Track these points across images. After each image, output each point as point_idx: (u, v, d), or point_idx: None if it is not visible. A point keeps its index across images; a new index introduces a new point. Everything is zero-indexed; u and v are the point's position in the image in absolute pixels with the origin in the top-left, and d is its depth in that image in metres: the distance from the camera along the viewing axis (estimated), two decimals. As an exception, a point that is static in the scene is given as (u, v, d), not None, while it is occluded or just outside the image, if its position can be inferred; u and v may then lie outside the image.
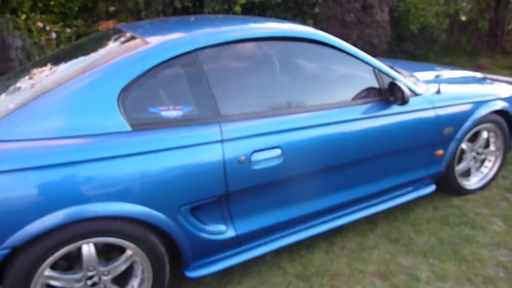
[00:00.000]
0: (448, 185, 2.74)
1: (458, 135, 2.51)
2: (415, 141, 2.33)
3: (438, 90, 2.44)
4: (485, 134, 2.76)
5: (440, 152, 2.50)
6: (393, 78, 2.24)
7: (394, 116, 2.20)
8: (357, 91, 2.18)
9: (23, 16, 6.25)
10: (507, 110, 2.72)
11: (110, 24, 6.35)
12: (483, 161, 2.90)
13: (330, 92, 2.09)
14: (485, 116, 2.62)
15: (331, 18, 6.10)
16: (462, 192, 2.79)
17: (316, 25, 7.02)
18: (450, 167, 2.64)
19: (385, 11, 5.98)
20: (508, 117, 2.78)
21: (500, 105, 2.68)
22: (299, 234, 2.15)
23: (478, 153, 2.80)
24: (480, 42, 7.01)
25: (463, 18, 6.82)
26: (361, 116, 2.09)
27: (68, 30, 6.24)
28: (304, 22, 7.39)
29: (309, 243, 2.30)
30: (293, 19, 6.87)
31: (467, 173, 2.84)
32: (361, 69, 2.20)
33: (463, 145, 2.68)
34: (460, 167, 2.75)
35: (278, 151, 1.85)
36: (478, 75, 3.28)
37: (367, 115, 2.11)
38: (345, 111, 2.07)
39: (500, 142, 2.83)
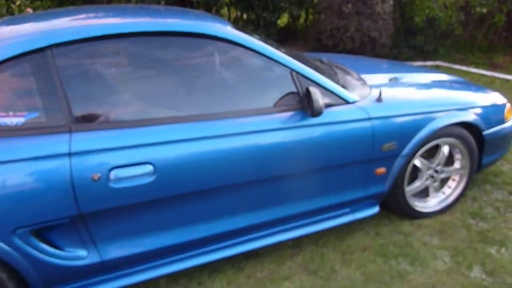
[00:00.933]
0: (397, 207, 2.37)
1: (406, 151, 2.13)
2: (344, 157, 1.98)
3: (379, 97, 2.06)
4: (445, 150, 2.35)
5: (382, 170, 2.14)
6: (316, 83, 1.90)
7: (311, 128, 1.85)
8: (268, 97, 1.85)
9: (18, 2, 6.21)
10: (473, 122, 2.30)
11: (100, 11, 6.19)
12: (446, 180, 2.50)
13: (228, 99, 1.77)
14: (443, 129, 2.21)
15: (328, 9, 5.67)
16: (416, 215, 2.41)
17: (315, 16, 6.59)
18: (398, 187, 2.26)
19: (387, 2, 5.48)
20: (478, 131, 2.36)
21: (465, 117, 2.26)
22: (198, 259, 1.88)
23: (436, 171, 2.40)
24: (497, 38, 6.35)
25: (483, 10, 6.16)
26: (265, 128, 1.77)
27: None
28: (299, 13, 6.97)
29: (214, 268, 2.03)
30: (290, 8, 6.49)
31: (425, 193, 2.46)
32: (276, 71, 1.86)
33: (417, 162, 2.30)
34: (413, 187, 2.36)
35: (148, 168, 1.57)
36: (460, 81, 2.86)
37: (274, 127, 1.78)
38: (246, 121, 1.75)
39: (466, 159, 2.41)
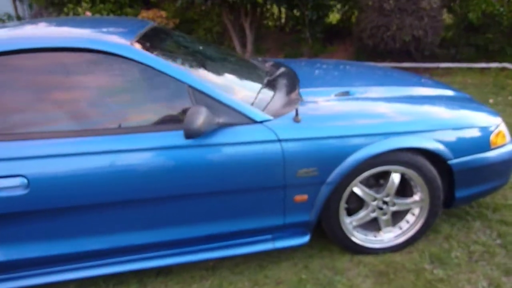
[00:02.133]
0: (335, 240, 2.09)
1: (331, 178, 1.86)
2: (250, 181, 1.80)
3: (296, 117, 1.83)
4: (396, 179, 2.00)
5: (302, 197, 1.90)
6: (214, 99, 1.75)
7: (200, 148, 1.73)
8: (158, 114, 1.77)
9: (85, 5, 6.88)
10: (429, 149, 1.92)
11: (150, 14, 6.56)
12: (405, 213, 2.14)
13: (112, 115, 1.73)
14: (384, 155, 1.89)
15: (368, 6, 5.23)
16: (359, 250, 2.11)
17: (357, 14, 6.11)
18: (331, 216, 2.00)
19: (435, -4, 4.84)
20: (442, 159, 1.96)
21: (414, 142, 1.89)
22: (100, 269, 1.89)
23: (386, 203, 2.06)
24: None
25: None
26: (143, 146, 1.69)
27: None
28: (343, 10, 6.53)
29: (122, 280, 2.03)
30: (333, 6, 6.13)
31: (378, 226, 2.13)
32: (171, 87, 1.77)
33: (357, 190, 2.00)
34: (356, 218, 2.07)
35: (21, 180, 1.63)
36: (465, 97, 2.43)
37: (153, 145, 1.69)
38: (125, 138, 1.70)
39: (424, 192, 2.03)
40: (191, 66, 1.96)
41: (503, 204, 2.45)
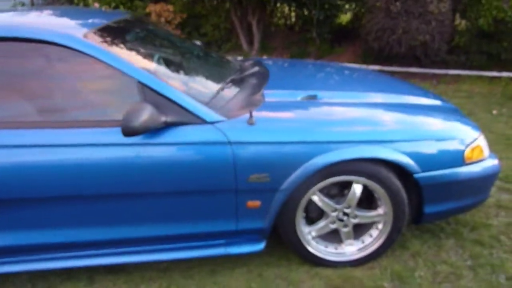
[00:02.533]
0: (292, 249, 2.00)
1: (285, 186, 1.77)
2: (197, 183, 1.74)
3: (250, 120, 1.74)
4: (358, 190, 1.89)
5: (255, 203, 1.82)
6: (164, 97, 1.69)
7: (144, 147, 1.67)
8: (106, 109, 1.72)
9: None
10: (391, 160, 1.80)
11: (157, 7, 6.55)
12: (370, 226, 2.02)
13: (57, 108, 1.69)
14: (341, 164, 1.79)
15: (374, 7, 5.07)
16: (318, 262, 2.01)
17: (365, 16, 5.94)
18: (287, 224, 1.91)
19: (444, 1, 4.65)
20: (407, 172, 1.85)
21: (373, 152, 1.78)
22: (45, 263, 1.87)
23: (347, 214, 1.95)
24: None
25: None
26: (77, 142, 1.65)
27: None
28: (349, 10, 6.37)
29: (72, 275, 1.99)
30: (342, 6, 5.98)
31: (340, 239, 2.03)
32: (122, 82, 1.71)
33: (315, 199, 1.90)
34: (315, 228, 1.97)
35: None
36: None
37: (90, 142, 1.65)
38: (65, 132, 1.65)
39: (388, 205, 1.91)
40: (149, 62, 1.90)
41: (482, 223, 2.30)
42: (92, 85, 1.75)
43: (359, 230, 2.03)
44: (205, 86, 1.95)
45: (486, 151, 2.04)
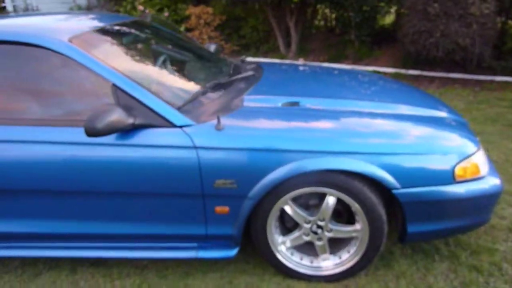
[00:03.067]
0: (265, 259, 1.95)
1: (253, 193, 1.74)
2: (164, 186, 1.75)
3: (218, 125, 1.73)
4: (331, 202, 1.80)
5: (224, 209, 1.81)
6: (135, 99, 1.73)
7: (109, 147, 1.73)
8: (78, 109, 1.80)
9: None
10: (365, 174, 1.69)
11: (197, 10, 6.72)
12: (348, 241, 1.92)
13: (31, 106, 1.81)
14: (310, 175, 1.71)
15: (411, 9, 4.81)
16: (292, 274, 1.94)
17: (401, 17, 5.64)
18: (259, 233, 1.87)
19: (488, 2, 4.29)
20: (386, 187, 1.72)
21: (344, 164, 1.68)
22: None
23: (321, 227, 1.86)
24: None
25: None
26: (39, 139, 1.75)
27: (166, 14, 6.95)
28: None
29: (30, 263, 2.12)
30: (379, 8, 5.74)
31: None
32: (98, 84, 1.78)
33: (288, 209, 1.84)
34: (287, 238, 1.91)
35: None
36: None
37: (55, 140, 1.74)
38: (34, 129, 1.76)
39: (363, 221, 1.79)
40: (130, 65, 1.96)
41: (487, 247, 2.09)
42: (70, 86, 1.84)
43: (337, 244, 1.94)
44: (184, 89, 1.97)
45: (484, 169, 1.85)
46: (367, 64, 6.05)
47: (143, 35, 2.38)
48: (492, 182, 1.85)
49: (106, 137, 1.70)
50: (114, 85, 1.76)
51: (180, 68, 2.27)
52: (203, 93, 1.96)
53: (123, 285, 1.97)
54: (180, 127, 1.74)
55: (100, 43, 1.96)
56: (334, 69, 2.91)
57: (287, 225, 1.95)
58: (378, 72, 5.65)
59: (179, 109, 1.79)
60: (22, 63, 1.83)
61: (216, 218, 1.83)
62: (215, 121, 1.77)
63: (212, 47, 3.13)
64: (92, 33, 1.99)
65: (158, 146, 1.73)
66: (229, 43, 7.05)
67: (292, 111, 1.92)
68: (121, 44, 2.12)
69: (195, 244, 1.94)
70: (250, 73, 2.35)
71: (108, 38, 2.06)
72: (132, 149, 1.73)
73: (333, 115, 1.90)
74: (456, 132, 1.91)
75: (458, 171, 1.76)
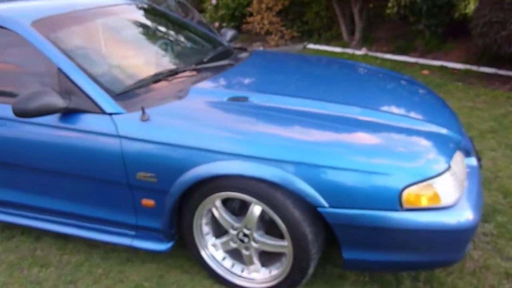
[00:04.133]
0: (196, 260, 1.85)
1: (173, 190, 1.65)
2: (90, 170, 1.76)
3: (143, 116, 1.66)
4: (256, 211, 1.62)
5: (149, 202, 1.75)
6: (74, 83, 1.74)
7: (46, 128, 1.78)
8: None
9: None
10: (282, 185, 1.48)
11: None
12: (280, 257, 1.72)
13: None
14: (228, 179, 1.56)
15: (485, -3, 4.10)
16: (220, 280, 1.82)
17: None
18: (186, 232, 1.78)
19: None
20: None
21: (259, 172, 1.49)
22: None
23: (247, 236, 1.69)
24: None
25: None
26: None
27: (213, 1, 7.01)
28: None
29: None
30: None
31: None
32: (46, 66, 1.82)
33: (215, 211, 1.72)
34: (218, 241, 1.79)
35: None
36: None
37: None
38: None
39: (287, 238, 1.58)
40: (86, 49, 1.98)
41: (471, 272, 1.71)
42: (24, 67, 1.93)
43: (271, 258, 1.76)
44: (131, 76, 1.93)
45: (449, 197, 1.49)
46: (434, 58, 5.35)
47: (121, 19, 2.37)
48: (460, 215, 1.49)
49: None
50: (58, 69, 1.79)
51: (144, 53, 2.23)
52: (150, 81, 1.90)
53: (69, 260, 2.06)
54: (110, 114, 1.72)
55: (65, 27, 2.00)
56: (337, 63, 2.61)
57: (222, 228, 1.83)
58: (445, 68, 4.97)
59: (116, 96, 1.76)
60: None
61: (143, 210, 1.79)
62: (150, 110, 1.71)
63: (229, 33, 3.03)
64: (60, 16, 2.04)
65: (86, 131, 1.73)
66: (289, 29, 6.82)
67: (232, 106, 1.76)
68: (87, 28, 2.14)
69: (132, 233, 1.92)
70: (224, 62, 2.22)
71: (77, 22, 2.09)
72: (62, 131, 1.76)
73: (276, 115, 1.69)
74: (420, 150, 1.56)
75: (407, 196, 1.45)
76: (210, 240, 1.81)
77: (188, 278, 1.89)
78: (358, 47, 6.18)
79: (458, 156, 1.64)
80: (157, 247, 1.87)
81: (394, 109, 1.85)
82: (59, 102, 1.69)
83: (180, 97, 1.82)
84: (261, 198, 1.55)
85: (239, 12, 7.13)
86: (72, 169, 1.81)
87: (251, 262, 1.75)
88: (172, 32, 2.54)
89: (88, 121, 1.73)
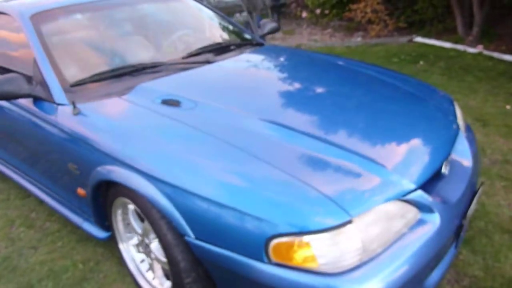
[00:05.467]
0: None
1: (90, 182, 1.69)
2: (40, 150, 1.98)
3: (74, 110, 1.72)
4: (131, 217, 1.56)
5: (82, 192, 1.83)
6: (42, 76, 1.89)
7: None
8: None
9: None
10: (150, 199, 1.38)
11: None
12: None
13: None
14: (116, 185, 1.54)
15: None
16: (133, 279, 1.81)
17: None
18: (107, 225, 1.83)
19: None
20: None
21: (141, 188, 1.40)
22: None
23: (146, 244, 1.63)
24: None
25: None
26: None
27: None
28: None
29: None
30: None
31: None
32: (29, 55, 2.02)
33: (129, 213, 1.70)
34: (132, 242, 1.78)
35: None
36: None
37: None
38: None
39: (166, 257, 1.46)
40: (69, 41, 2.13)
41: None
42: (15, 53, 2.18)
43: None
44: (91, 68, 1.98)
45: (332, 262, 1.17)
46: None
47: (125, 12, 2.43)
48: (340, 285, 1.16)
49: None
50: (34, 59, 1.98)
51: (122, 46, 2.23)
52: (108, 75, 1.94)
53: (50, 227, 2.33)
54: (58, 104, 1.83)
55: (59, 19, 2.17)
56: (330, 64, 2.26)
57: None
58: None
59: (70, 87, 1.87)
60: None
61: (80, 198, 1.89)
62: (85, 105, 1.77)
63: (268, 26, 2.90)
64: (61, 9, 2.22)
65: (41, 118, 1.88)
66: (394, 19, 6.07)
67: (151, 111, 1.67)
68: (83, 20, 2.27)
69: (84, 215, 2.05)
70: (199, 59, 2.14)
71: (73, 15, 2.24)
72: (29, 115, 1.95)
73: (184, 128, 1.54)
74: (311, 193, 1.22)
75: (275, 248, 1.19)
76: (131, 240, 1.81)
77: (118, 271, 1.94)
78: (474, 43, 5.16)
79: (384, 209, 1.26)
80: (98, 234, 1.95)
81: (326, 130, 1.51)
82: (22, 88, 1.87)
83: (120, 95, 1.82)
84: (142, 210, 1.48)
85: (342, -2, 6.64)
86: (35, 146, 2.02)
87: (153, 271, 1.70)
88: (156, 25, 2.50)
89: (45, 108, 1.88)
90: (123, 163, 1.49)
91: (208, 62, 2.14)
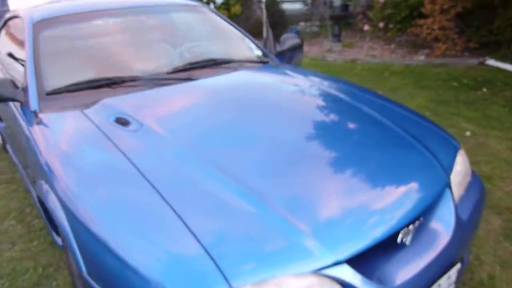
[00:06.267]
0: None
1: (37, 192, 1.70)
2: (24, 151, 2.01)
3: (36, 119, 1.77)
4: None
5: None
6: (28, 81, 1.96)
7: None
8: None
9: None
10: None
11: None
12: None
13: None
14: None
15: None
16: None
17: None
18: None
19: None
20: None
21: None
22: None
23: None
24: None
25: None
26: None
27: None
28: None
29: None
30: None
31: None
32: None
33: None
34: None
35: None
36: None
37: None
38: None
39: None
40: (63, 48, 2.18)
41: None
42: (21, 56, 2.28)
43: None
44: (71, 77, 1.98)
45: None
46: None
47: (131, 20, 2.41)
48: None
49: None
50: (24, 64, 2.06)
51: (117, 55, 2.20)
52: (84, 86, 1.94)
53: (22, 209, 2.55)
54: (33, 111, 1.86)
55: (59, 27, 2.23)
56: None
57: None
58: None
59: (46, 95, 1.90)
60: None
61: None
62: (48, 115, 1.79)
63: (288, 42, 2.74)
64: (64, 17, 2.28)
65: (23, 120, 1.93)
66: (463, 38, 5.42)
67: (101, 127, 1.60)
68: (82, 29, 2.30)
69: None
70: (180, 76, 2.04)
71: (74, 23, 2.28)
72: (18, 117, 2.02)
73: (119, 151, 1.45)
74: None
75: None
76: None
77: (71, 282, 1.93)
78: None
79: (289, 283, 1.05)
80: (57, 240, 1.96)
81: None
82: (7, 92, 1.95)
83: (84, 108, 1.79)
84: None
85: (409, 12, 6.12)
86: (23, 147, 2.08)
87: None
88: (152, 36, 2.45)
89: (26, 113, 1.93)
90: (49, 181, 1.46)
91: (190, 79, 2.04)
